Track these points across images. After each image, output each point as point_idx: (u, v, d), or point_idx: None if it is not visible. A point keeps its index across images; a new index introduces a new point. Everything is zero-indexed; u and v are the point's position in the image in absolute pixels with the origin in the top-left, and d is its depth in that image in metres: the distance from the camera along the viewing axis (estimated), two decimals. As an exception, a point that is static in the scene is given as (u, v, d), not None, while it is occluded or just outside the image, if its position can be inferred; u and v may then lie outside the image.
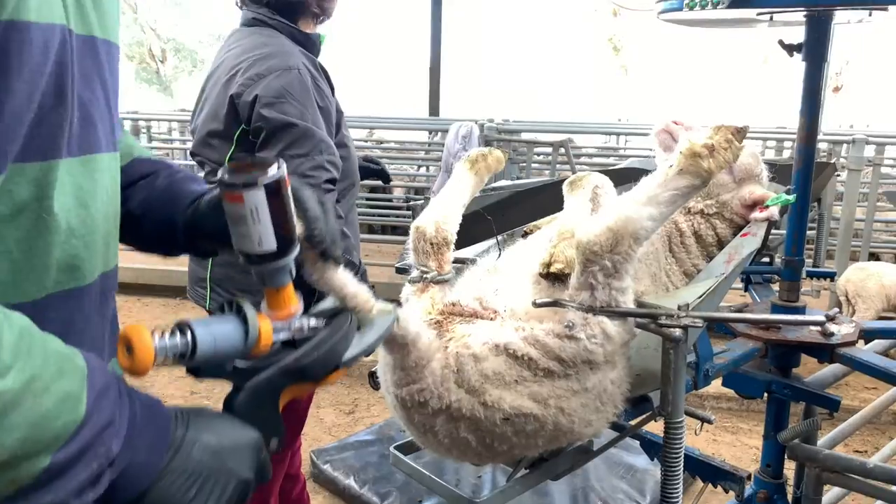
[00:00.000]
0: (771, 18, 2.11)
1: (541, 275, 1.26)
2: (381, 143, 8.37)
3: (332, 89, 2.01)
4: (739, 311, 2.08)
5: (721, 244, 1.52)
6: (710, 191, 1.55)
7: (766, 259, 2.20)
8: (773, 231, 1.85)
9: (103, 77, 0.74)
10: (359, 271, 2.10)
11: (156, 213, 0.94)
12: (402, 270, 1.56)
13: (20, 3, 0.58)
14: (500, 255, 1.50)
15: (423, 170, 7.57)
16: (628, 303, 1.12)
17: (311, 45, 2.00)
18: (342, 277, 0.92)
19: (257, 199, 0.76)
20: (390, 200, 7.07)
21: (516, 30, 11.18)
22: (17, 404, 0.56)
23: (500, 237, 1.76)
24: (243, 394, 0.80)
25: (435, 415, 1.13)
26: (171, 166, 1.01)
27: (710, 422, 1.48)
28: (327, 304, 0.93)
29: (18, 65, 0.59)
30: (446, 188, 1.52)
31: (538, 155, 6.57)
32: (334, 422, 4.04)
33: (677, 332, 1.06)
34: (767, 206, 1.47)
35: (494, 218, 1.88)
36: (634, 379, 1.18)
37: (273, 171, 0.77)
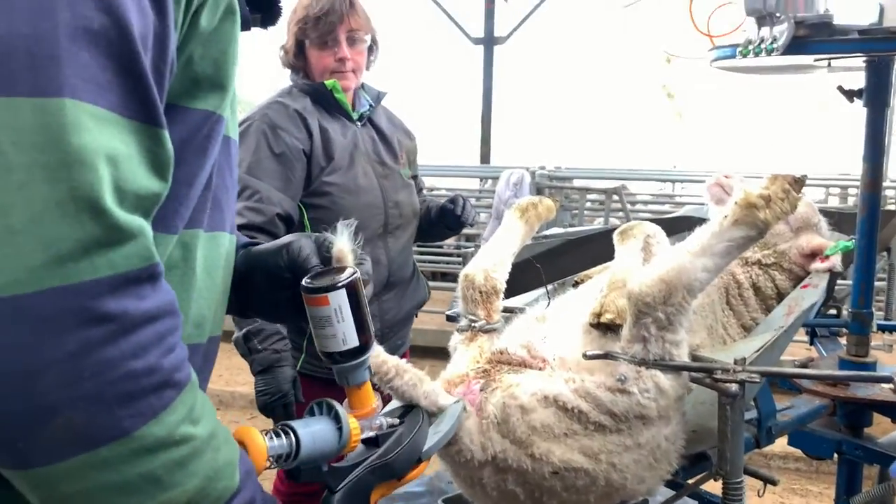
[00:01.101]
0: (829, 64, 2.08)
1: (591, 324, 1.24)
2: (432, 190, 8.46)
3: (316, 132, 2.01)
4: (804, 365, 2.00)
5: (781, 296, 1.47)
6: (766, 241, 1.51)
7: (833, 311, 2.11)
8: (839, 282, 1.78)
9: (231, 169, 0.84)
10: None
11: None
12: (452, 318, 1.55)
13: (224, 101, 0.72)
14: (549, 303, 1.49)
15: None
16: (683, 356, 1.09)
17: (318, 94, 2.06)
18: (413, 376, 1.03)
19: (340, 299, 0.84)
20: (441, 247, 7.11)
21: (569, 76, 11.27)
22: (202, 453, 0.62)
23: (549, 286, 1.74)
24: (338, 497, 0.84)
25: (481, 467, 1.11)
26: None
27: (774, 483, 1.41)
28: (397, 402, 1.03)
29: (212, 151, 0.72)
30: (496, 236, 1.52)
31: (591, 202, 6.53)
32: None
33: (733, 387, 1.02)
34: (828, 256, 1.42)
35: (545, 266, 1.86)
36: (690, 435, 1.14)
37: (349, 272, 0.86)
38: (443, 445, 1.00)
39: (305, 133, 1.99)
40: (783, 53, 1.74)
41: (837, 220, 1.77)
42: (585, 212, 6.14)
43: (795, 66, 2.13)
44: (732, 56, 2.04)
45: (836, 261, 1.42)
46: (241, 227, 1.84)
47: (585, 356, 1.13)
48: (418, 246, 6.89)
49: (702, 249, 1.10)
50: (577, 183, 6.36)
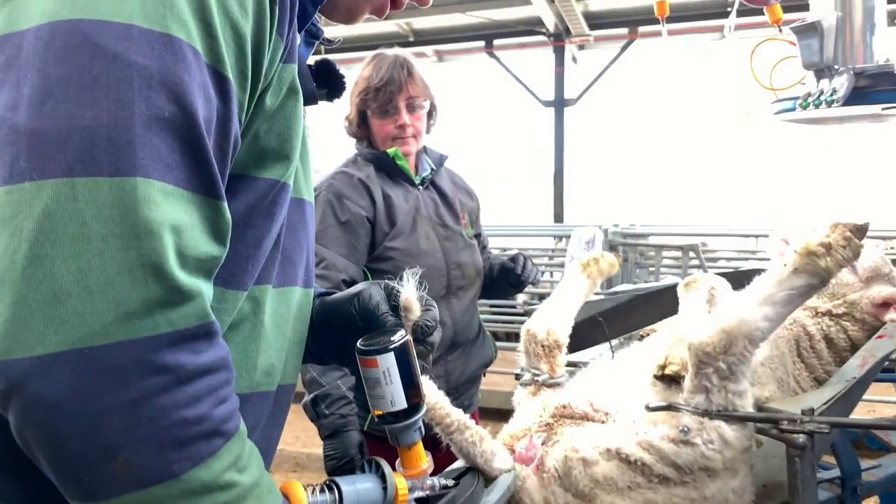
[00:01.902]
0: (897, 112, 2.04)
1: (655, 377, 1.24)
2: (506, 251, 8.52)
3: (379, 199, 2.08)
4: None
5: (854, 348, 1.42)
6: (835, 292, 1.49)
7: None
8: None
9: (306, 229, 0.92)
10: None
11: None
12: (521, 377, 1.57)
13: (288, 170, 0.79)
14: (613, 356, 1.49)
15: (546, 275, 7.58)
16: (747, 407, 1.08)
17: (380, 162, 2.15)
18: (475, 434, 1.06)
19: (388, 361, 0.87)
20: (514, 307, 7.09)
21: (645, 133, 11.23)
22: (244, 500, 0.66)
23: (615, 341, 1.74)
24: None
25: None
26: None
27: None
28: (457, 464, 1.05)
29: (279, 215, 0.79)
30: (557, 291, 1.55)
31: (668, 259, 6.41)
32: None
33: (801, 438, 1.00)
34: (903, 306, 1.37)
35: (613, 322, 1.86)
36: (760, 490, 1.11)
37: (400, 335, 0.89)
38: None
39: (369, 200, 2.08)
40: (844, 104, 1.73)
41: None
42: (662, 269, 6.02)
43: (863, 115, 2.11)
44: (793, 109, 2.03)
45: (910, 309, 1.38)
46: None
47: (648, 408, 1.13)
48: (491, 307, 6.93)
49: (763, 299, 1.09)
50: (652, 240, 6.27)
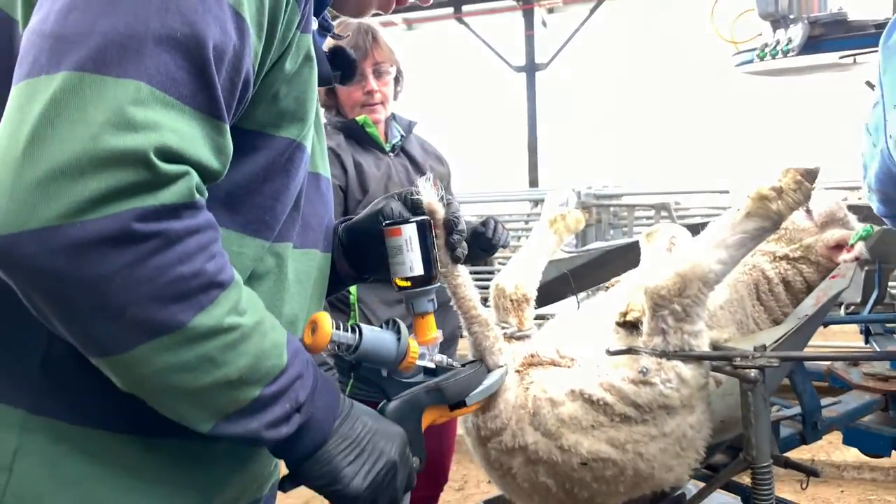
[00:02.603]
0: (854, 60, 2.08)
1: (618, 323, 1.28)
2: (482, 217, 8.54)
3: (350, 167, 2.11)
4: (855, 362, 1.97)
5: (811, 290, 1.48)
6: (792, 237, 1.54)
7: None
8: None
9: (324, 202, 1.01)
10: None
11: None
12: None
13: (305, 130, 0.87)
14: (578, 307, 1.53)
15: (523, 241, 7.64)
16: (702, 346, 1.12)
17: (350, 130, 2.16)
18: (491, 332, 1.19)
19: (410, 231, 1.01)
20: (492, 274, 7.15)
21: (617, 94, 11.24)
22: (249, 337, 0.74)
23: (584, 293, 1.79)
24: (394, 403, 0.96)
25: (512, 454, 1.16)
26: None
27: (816, 474, 1.42)
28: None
29: (295, 174, 0.87)
30: (525, 247, 1.58)
31: (642, 219, 6.50)
32: (444, 498, 4.02)
33: (752, 373, 1.05)
34: (852, 246, 1.43)
35: (585, 276, 1.91)
36: (718, 425, 1.17)
37: (423, 216, 1.04)
38: (485, 396, 1.11)
39: (341, 169, 2.09)
40: (799, 54, 1.77)
41: (867, 215, 1.76)
42: (635, 228, 6.11)
43: (821, 65, 2.15)
44: (751, 61, 2.07)
45: (860, 249, 1.43)
46: None
47: (608, 352, 1.17)
48: (470, 272, 6.98)
49: (716, 243, 1.13)
50: (625, 200, 6.34)
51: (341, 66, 1.11)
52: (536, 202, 7.24)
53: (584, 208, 5.60)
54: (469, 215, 8.48)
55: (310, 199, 0.96)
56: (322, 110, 2.25)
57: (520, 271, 1.49)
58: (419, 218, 1.03)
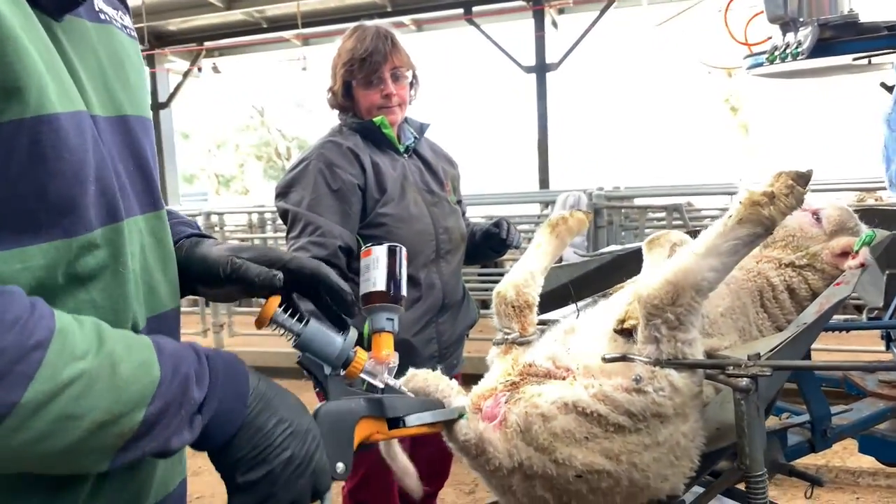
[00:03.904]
0: (869, 62, 2.05)
1: (615, 331, 1.27)
2: (493, 219, 8.52)
3: (369, 167, 2.12)
4: (872, 370, 1.94)
5: (816, 297, 1.45)
6: (799, 244, 1.52)
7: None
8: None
9: (137, 149, 0.87)
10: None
11: None
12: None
13: (42, 98, 0.69)
14: (578, 315, 1.52)
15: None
16: (696, 354, 1.11)
17: (367, 131, 2.18)
18: (435, 380, 1.18)
19: (380, 252, 1.08)
20: (502, 275, 7.11)
21: (628, 96, 11.20)
22: (100, 376, 0.68)
23: (587, 300, 1.77)
24: (329, 404, 0.95)
25: (510, 475, 1.15)
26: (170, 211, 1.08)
27: (819, 483, 1.40)
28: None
29: (54, 151, 0.70)
30: (527, 252, 1.57)
31: (653, 220, 6.45)
32: (455, 501, 4.02)
33: (744, 381, 1.04)
34: (857, 252, 1.41)
35: (599, 281, 1.89)
36: (714, 433, 1.15)
37: (395, 244, 1.09)
38: (426, 423, 1.08)
39: (359, 168, 2.12)
40: (809, 56, 1.74)
41: (882, 219, 1.74)
42: (647, 230, 6.06)
43: (834, 66, 2.11)
44: (761, 64, 2.04)
45: (865, 255, 1.40)
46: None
47: (603, 359, 1.16)
48: (479, 275, 6.96)
49: (707, 250, 1.12)
50: (636, 202, 6.30)
51: None
52: (547, 203, 7.21)
53: (596, 210, 5.56)
54: (479, 216, 8.48)
55: (120, 154, 0.82)
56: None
57: (521, 277, 1.49)
58: (392, 244, 1.09)
